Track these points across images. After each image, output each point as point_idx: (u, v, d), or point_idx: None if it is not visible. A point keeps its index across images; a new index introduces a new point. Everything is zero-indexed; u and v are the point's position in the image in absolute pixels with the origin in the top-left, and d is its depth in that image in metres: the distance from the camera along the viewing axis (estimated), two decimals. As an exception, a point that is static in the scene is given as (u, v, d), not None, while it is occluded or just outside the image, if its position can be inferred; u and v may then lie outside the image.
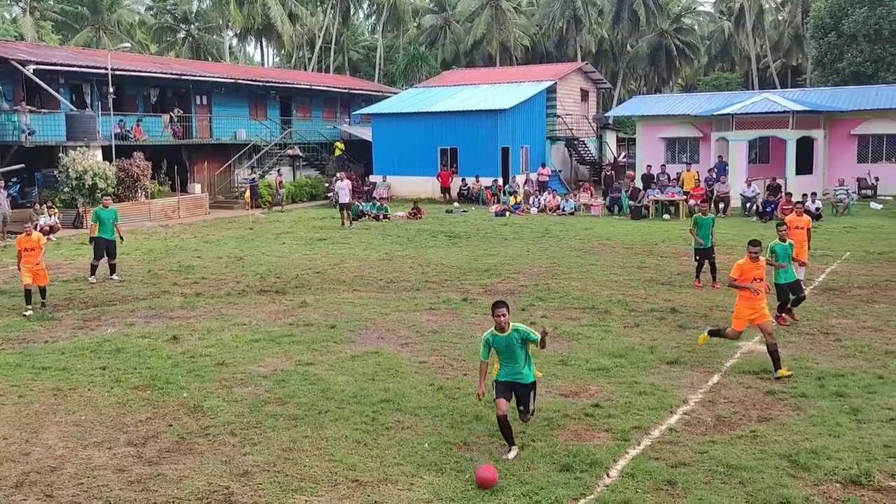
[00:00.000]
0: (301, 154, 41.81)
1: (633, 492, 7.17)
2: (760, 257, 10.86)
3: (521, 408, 8.31)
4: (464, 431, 8.66)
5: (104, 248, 18.70)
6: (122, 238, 19.08)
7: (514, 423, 8.25)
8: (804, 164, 33.32)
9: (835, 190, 30.82)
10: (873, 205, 31.32)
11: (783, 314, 13.29)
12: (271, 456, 8.09)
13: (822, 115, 34.14)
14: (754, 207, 29.77)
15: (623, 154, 47.59)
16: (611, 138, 48.00)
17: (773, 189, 30.61)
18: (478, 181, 37.16)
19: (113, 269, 18.79)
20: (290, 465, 7.85)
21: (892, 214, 28.93)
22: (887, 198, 32.37)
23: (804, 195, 26.71)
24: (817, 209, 27.28)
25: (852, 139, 35.58)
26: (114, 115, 33.30)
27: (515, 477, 7.39)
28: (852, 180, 33.19)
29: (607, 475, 7.53)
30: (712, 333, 11.36)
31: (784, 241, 13.15)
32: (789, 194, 29.28)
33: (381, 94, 49.81)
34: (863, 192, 33.66)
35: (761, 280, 10.76)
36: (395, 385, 10.27)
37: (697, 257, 17.11)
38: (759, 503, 6.93)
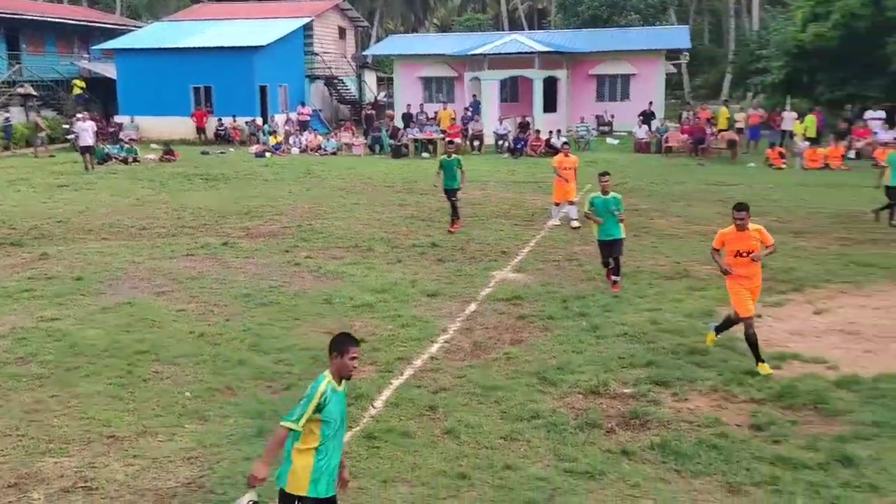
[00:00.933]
0: (34, 93, 37.89)
1: (397, 420, 7.43)
2: (750, 225, 8.51)
3: None
4: (227, 377, 8.49)
5: None
6: None
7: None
8: (550, 103, 35.38)
9: (577, 127, 33.12)
10: (609, 140, 34.10)
11: (611, 277, 11.69)
12: (13, 420, 7.46)
13: (564, 56, 36.29)
14: (506, 144, 31.29)
15: (383, 94, 47.91)
16: (370, 78, 48.08)
17: (523, 127, 32.34)
18: (235, 121, 35.83)
19: None
20: (35, 428, 7.29)
21: (626, 149, 31.69)
22: (622, 134, 35.26)
23: (550, 132, 28.37)
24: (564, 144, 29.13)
25: (591, 79, 38.23)
26: None
27: (281, 416, 7.35)
28: (592, 118, 35.80)
29: (373, 406, 7.73)
30: (719, 329, 9.12)
31: (606, 193, 11.62)
32: (538, 131, 31.12)
33: (124, 27, 46.18)
34: (601, 128, 36.44)
35: (749, 254, 8.50)
36: (152, 335, 9.80)
37: (446, 198, 16.61)
38: (512, 418, 7.46)
